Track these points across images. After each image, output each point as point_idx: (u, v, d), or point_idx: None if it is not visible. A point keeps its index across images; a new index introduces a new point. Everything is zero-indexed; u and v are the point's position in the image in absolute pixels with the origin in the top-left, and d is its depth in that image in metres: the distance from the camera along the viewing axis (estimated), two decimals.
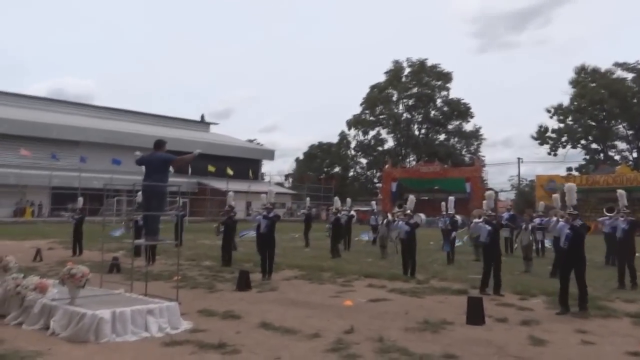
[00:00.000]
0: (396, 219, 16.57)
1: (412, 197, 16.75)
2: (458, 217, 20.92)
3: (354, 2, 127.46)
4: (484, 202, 13.42)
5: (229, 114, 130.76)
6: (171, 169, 10.58)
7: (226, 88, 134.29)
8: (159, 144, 10.10)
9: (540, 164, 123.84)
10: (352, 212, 25.37)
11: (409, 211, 15.51)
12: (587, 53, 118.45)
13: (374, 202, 29.26)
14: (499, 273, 12.09)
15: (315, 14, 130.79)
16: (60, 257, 17.77)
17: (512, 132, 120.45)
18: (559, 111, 69.22)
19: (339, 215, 21.96)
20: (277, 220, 14.55)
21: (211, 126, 76.19)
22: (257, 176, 65.78)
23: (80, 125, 52.07)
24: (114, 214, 39.17)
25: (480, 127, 76.22)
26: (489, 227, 12.21)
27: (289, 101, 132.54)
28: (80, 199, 21.47)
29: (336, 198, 23.52)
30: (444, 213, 20.15)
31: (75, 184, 45.21)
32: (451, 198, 20.14)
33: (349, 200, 27.67)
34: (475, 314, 8.98)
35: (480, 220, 12.91)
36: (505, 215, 20.98)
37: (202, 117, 76.00)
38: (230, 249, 16.94)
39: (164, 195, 10.08)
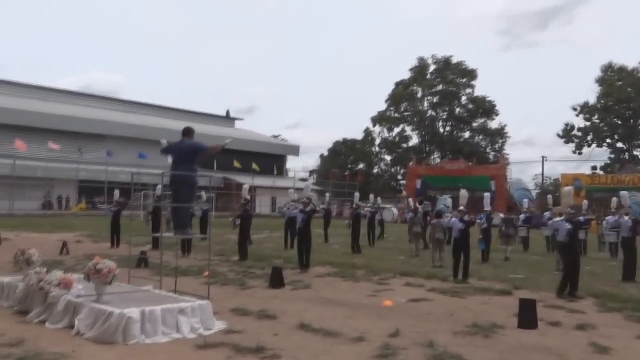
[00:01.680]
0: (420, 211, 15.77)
1: (464, 192, 16.16)
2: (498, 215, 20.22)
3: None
4: (563, 199, 12.85)
5: (252, 110, 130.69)
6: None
7: (250, 85, 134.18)
8: (188, 131, 9.48)
9: (562, 163, 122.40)
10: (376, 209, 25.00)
11: (462, 207, 14.65)
12: (611, 51, 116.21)
13: (371, 196, 28.19)
14: (576, 274, 11.42)
15: (339, 10, 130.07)
16: (88, 250, 17.37)
17: (533, 130, 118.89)
18: (585, 109, 68.04)
19: (359, 211, 21.47)
20: (313, 214, 14.62)
21: (236, 122, 75.98)
22: (281, 172, 65.35)
23: (106, 119, 52.01)
24: (141, 207, 38.84)
25: (505, 125, 75.32)
26: (568, 226, 11.51)
27: (312, 98, 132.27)
28: (117, 191, 21.47)
29: (356, 194, 23.19)
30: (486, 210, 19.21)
31: (101, 177, 45.21)
32: (487, 194, 19.42)
33: (371, 196, 27.20)
34: (527, 318, 8.34)
35: (561, 218, 12.12)
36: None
37: (227, 112, 75.79)
38: (246, 242, 16.61)
39: (194, 186, 9.56)
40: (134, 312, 6.77)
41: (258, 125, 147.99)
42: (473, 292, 11.63)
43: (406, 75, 75.37)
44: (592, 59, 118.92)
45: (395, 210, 25.75)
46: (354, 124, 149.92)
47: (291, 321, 8.11)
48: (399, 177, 77.35)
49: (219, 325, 7.56)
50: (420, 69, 74.86)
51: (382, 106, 76.70)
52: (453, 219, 14.38)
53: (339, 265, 15.18)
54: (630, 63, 69.53)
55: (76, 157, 46.37)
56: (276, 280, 11.39)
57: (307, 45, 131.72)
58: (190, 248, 17.03)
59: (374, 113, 76.49)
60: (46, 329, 7.27)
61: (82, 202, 46.92)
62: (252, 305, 9.18)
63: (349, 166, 77.97)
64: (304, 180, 74.50)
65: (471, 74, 73.95)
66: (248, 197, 17.56)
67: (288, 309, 9.05)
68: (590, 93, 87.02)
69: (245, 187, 18.27)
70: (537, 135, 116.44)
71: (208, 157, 10.74)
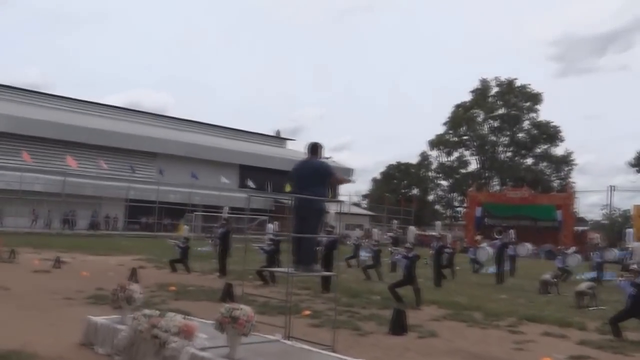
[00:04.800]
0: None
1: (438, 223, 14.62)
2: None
3: (430, 20, 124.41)
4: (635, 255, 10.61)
5: (298, 131, 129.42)
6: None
7: (297, 105, 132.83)
8: (315, 148, 7.74)
9: (620, 193, 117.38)
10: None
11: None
12: None
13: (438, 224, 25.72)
14: None
15: (391, 31, 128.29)
16: (157, 278, 15.25)
17: (588, 158, 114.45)
18: None
19: (441, 244, 19.26)
20: (417, 260, 13.56)
21: (287, 142, 74.20)
22: (334, 194, 63.11)
23: (158, 136, 50.57)
24: (193, 229, 37.08)
25: (571, 152, 71.80)
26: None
27: (361, 120, 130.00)
28: (226, 208, 20.01)
29: (438, 222, 21.01)
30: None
31: (151, 197, 43.68)
32: (630, 230, 16.88)
33: (438, 223, 25.21)
34: None
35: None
36: None
37: (278, 132, 74.22)
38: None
39: (321, 214, 7.61)
40: None
41: (302, 146, 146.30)
42: (635, 348, 9.27)
43: (461, 98, 72.96)
44: None
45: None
46: (403, 148, 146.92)
47: None
48: (456, 203, 74.61)
49: None
50: (482, 91, 72.21)
51: (432, 130, 74.70)
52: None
53: (445, 305, 12.94)
54: None
55: (127, 175, 44.94)
56: (399, 326, 9.09)
57: (352, 67, 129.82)
58: (274, 277, 15.01)
59: (425, 137, 74.52)
60: None
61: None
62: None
63: (402, 191, 75.42)
64: (356, 205, 72.41)
65: (535, 98, 70.91)
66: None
67: None
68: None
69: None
70: (591, 163, 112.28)
71: (339, 183, 9.01)
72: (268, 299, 9.73)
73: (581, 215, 69.32)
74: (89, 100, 55.45)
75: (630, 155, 67.32)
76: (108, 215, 45.96)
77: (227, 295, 11.76)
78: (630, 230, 24.04)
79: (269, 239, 16.28)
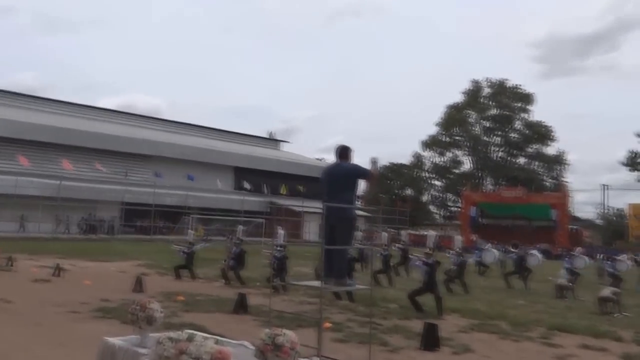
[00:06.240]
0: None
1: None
2: None
3: (418, 22, 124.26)
4: None
5: (290, 133, 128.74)
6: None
7: (288, 107, 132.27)
8: (344, 151, 7.14)
9: (624, 192, 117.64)
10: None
11: None
12: None
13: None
14: None
15: (381, 33, 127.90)
16: (162, 286, 14.64)
17: (573, 157, 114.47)
18: None
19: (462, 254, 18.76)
20: (438, 266, 13.04)
21: (281, 144, 73.58)
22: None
23: (152, 139, 49.81)
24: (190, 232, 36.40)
25: (564, 152, 71.69)
26: None
27: (350, 121, 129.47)
28: (240, 227, 19.07)
29: (458, 237, 20.28)
30: None
31: (147, 200, 42.90)
32: None
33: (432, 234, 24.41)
34: None
35: None
36: None
37: (271, 134, 73.68)
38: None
39: (352, 222, 7.01)
40: None
41: (295, 148, 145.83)
42: None
43: (450, 98, 72.89)
44: (636, 87, 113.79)
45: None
46: (394, 148, 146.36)
47: None
48: (449, 203, 74.26)
49: None
50: (473, 92, 71.95)
51: (423, 130, 74.38)
52: None
53: (467, 314, 12.45)
54: None
55: (122, 178, 44.14)
56: (432, 341, 8.57)
57: (343, 69, 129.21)
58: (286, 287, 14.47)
59: (416, 137, 74.50)
60: None
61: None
62: None
63: (396, 191, 74.90)
64: None
65: (527, 98, 70.77)
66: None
67: None
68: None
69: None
70: (578, 162, 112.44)
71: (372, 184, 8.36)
72: (283, 312, 9.17)
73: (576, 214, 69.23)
74: (83, 103, 54.76)
75: (615, 154, 67.47)
76: (103, 218, 45.08)
77: (240, 306, 11.24)
78: None
79: (279, 245, 15.74)
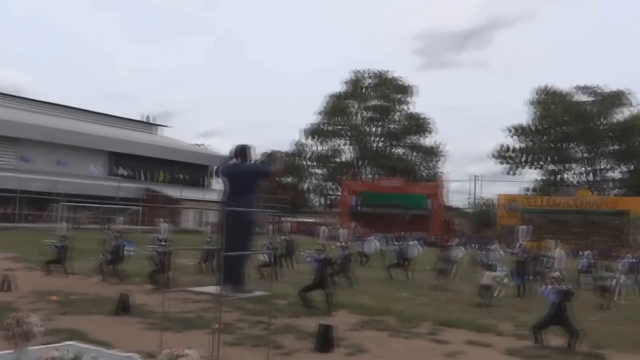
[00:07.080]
0: None
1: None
2: None
3: (297, 10, 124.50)
4: None
5: (167, 117, 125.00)
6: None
7: (164, 90, 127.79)
8: (243, 151, 6.87)
9: (491, 183, 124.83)
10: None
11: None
12: (524, 75, 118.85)
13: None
14: None
15: (260, 20, 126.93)
16: (33, 284, 13.26)
17: (448, 147, 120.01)
18: (518, 131, 68.38)
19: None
20: (329, 264, 12.90)
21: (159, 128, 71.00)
22: (203, 184, 61.01)
23: (18, 119, 46.30)
24: (60, 220, 34.27)
25: (440, 143, 74.59)
26: None
27: (229, 106, 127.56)
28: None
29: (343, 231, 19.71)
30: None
31: (8, 185, 39.97)
32: (523, 227, 16.99)
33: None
34: None
35: None
36: None
37: (148, 117, 70.75)
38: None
39: (251, 226, 6.60)
40: None
41: (172, 132, 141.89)
42: (562, 356, 9.19)
43: (331, 87, 73.76)
44: (506, 82, 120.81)
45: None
46: (274, 135, 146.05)
47: None
48: (330, 192, 75.34)
49: None
50: (355, 82, 73.13)
51: (304, 118, 74.86)
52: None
53: (355, 309, 12.30)
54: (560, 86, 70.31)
55: None
56: (325, 342, 8.36)
57: (217, 52, 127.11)
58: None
59: (296, 124, 74.69)
60: None
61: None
62: None
63: (277, 179, 74.86)
64: None
65: (407, 90, 72.79)
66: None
67: None
68: (517, 115, 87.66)
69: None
70: (450, 152, 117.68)
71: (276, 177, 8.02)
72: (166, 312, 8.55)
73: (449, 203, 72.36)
74: None
75: (485, 145, 71.44)
76: None
77: (122, 307, 10.49)
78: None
79: (162, 239, 14.95)
